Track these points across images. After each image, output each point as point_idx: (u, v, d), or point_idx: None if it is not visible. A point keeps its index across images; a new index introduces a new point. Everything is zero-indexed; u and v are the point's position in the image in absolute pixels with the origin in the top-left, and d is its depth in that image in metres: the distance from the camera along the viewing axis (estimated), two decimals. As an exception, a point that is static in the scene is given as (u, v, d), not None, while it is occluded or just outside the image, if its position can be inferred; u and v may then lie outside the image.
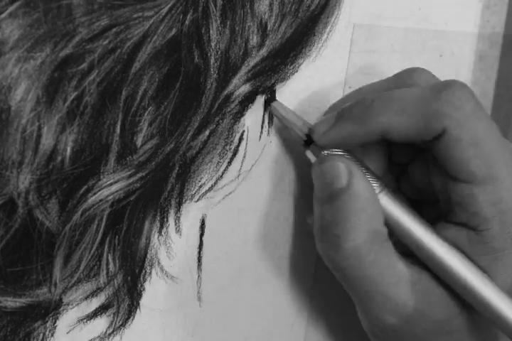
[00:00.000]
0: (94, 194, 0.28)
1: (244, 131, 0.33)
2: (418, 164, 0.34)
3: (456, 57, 0.42)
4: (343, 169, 0.30)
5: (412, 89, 0.31)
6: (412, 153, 0.34)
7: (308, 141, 0.32)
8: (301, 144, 0.33)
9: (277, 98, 0.34)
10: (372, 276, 0.30)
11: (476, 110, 0.30)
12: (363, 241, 0.30)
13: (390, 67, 0.38)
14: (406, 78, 0.33)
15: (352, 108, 0.31)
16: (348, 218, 0.30)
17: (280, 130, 0.34)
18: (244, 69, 0.31)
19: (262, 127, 0.33)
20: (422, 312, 0.30)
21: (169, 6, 0.28)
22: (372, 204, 0.30)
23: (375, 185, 0.31)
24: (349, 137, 0.31)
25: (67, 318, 0.29)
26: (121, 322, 0.31)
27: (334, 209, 0.30)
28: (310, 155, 0.33)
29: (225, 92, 0.31)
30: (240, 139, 0.33)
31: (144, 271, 0.31)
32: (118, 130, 0.28)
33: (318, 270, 0.38)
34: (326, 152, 0.32)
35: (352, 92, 0.36)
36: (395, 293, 0.30)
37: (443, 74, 0.40)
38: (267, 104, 0.34)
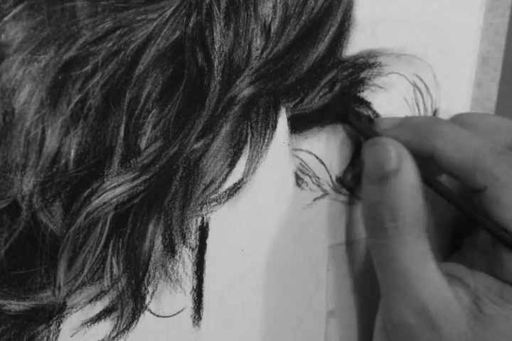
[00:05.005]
0: (98, 197, 0.28)
1: (248, 134, 0.32)
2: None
3: (459, 60, 0.42)
4: (393, 152, 0.32)
5: (476, 138, 0.32)
6: None
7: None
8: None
9: None
10: (404, 261, 0.31)
11: None
12: (405, 223, 0.31)
13: (392, 70, 0.38)
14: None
15: (420, 120, 0.34)
16: (394, 199, 0.31)
17: (283, 132, 0.34)
18: (247, 72, 0.31)
19: (265, 130, 0.33)
20: (434, 321, 0.31)
21: (173, 8, 0.28)
22: (418, 187, 0.32)
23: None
24: (404, 143, 0.33)
25: (71, 321, 0.29)
26: (125, 326, 0.31)
27: (381, 189, 0.32)
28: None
29: (229, 95, 0.31)
30: (244, 142, 0.33)
31: (147, 274, 0.31)
32: (122, 133, 0.28)
33: (321, 274, 0.38)
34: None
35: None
36: (419, 289, 0.31)
37: (446, 77, 0.40)
38: None
